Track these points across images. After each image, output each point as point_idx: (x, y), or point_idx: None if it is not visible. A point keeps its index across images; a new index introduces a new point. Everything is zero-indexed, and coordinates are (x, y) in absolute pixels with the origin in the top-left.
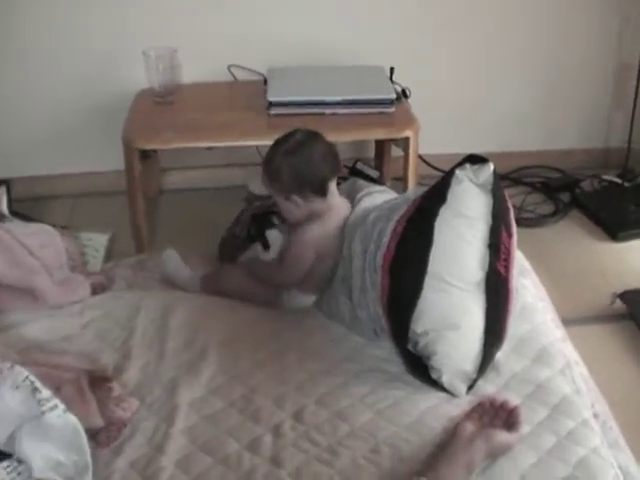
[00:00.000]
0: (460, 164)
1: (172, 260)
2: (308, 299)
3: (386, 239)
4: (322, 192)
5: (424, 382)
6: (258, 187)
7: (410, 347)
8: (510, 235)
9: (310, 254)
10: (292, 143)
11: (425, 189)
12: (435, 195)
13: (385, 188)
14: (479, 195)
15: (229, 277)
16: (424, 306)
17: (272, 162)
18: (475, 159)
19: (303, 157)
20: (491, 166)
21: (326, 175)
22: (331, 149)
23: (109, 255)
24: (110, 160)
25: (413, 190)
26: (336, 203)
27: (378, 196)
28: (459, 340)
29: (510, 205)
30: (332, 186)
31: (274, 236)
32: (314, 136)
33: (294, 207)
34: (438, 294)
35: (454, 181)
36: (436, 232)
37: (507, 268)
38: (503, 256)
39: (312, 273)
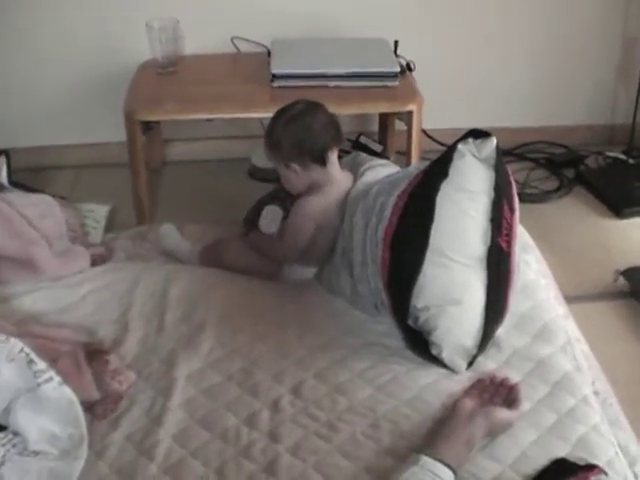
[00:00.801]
0: (463, 138)
1: (170, 234)
2: (308, 271)
3: (387, 213)
4: (322, 161)
5: (424, 358)
6: (261, 160)
7: (410, 322)
8: (512, 210)
9: (310, 225)
10: (293, 112)
11: (427, 163)
12: (437, 169)
13: (387, 162)
14: (481, 169)
15: (228, 249)
16: (425, 281)
17: (273, 131)
18: (478, 133)
19: (304, 125)
20: (494, 140)
21: (326, 144)
22: (332, 119)
23: (110, 227)
24: (113, 131)
25: (415, 164)
26: (337, 175)
27: (381, 170)
28: (460, 315)
29: (512, 180)
30: (333, 157)
31: (274, 211)
32: (315, 106)
33: (294, 176)
34: (439, 269)
35: (456, 155)
36: (438, 207)
37: (509, 243)
38: (505, 231)
39: (312, 245)
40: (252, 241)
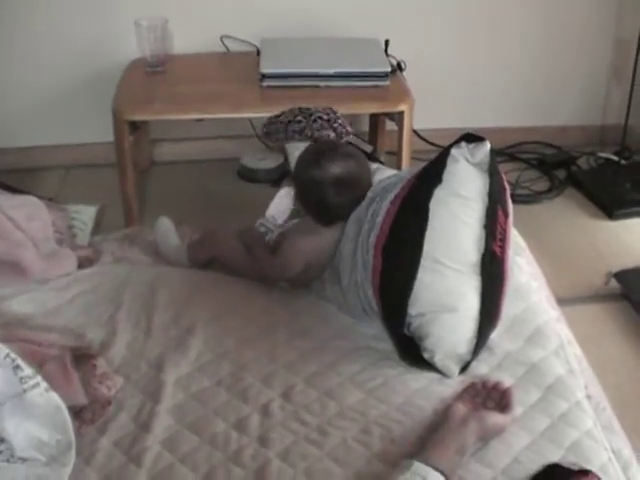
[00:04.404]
0: (456, 143)
1: (164, 227)
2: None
3: (380, 219)
4: (325, 223)
5: (416, 366)
6: (251, 160)
7: (403, 329)
8: (506, 215)
9: (299, 262)
10: (321, 173)
11: (420, 167)
12: (430, 175)
13: (379, 166)
14: (475, 175)
15: (224, 242)
16: (420, 288)
17: (300, 167)
18: (471, 137)
19: (322, 194)
20: (488, 145)
21: (334, 218)
22: (356, 195)
23: (98, 228)
24: (101, 131)
25: (408, 169)
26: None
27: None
28: (454, 322)
29: (506, 184)
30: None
31: (287, 198)
32: (350, 178)
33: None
34: (434, 276)
35: (450, 161)
36: (431, 213)
37: (503, 249)
38: (499, 236)
39: (300, 276)
40: (245, 238)
